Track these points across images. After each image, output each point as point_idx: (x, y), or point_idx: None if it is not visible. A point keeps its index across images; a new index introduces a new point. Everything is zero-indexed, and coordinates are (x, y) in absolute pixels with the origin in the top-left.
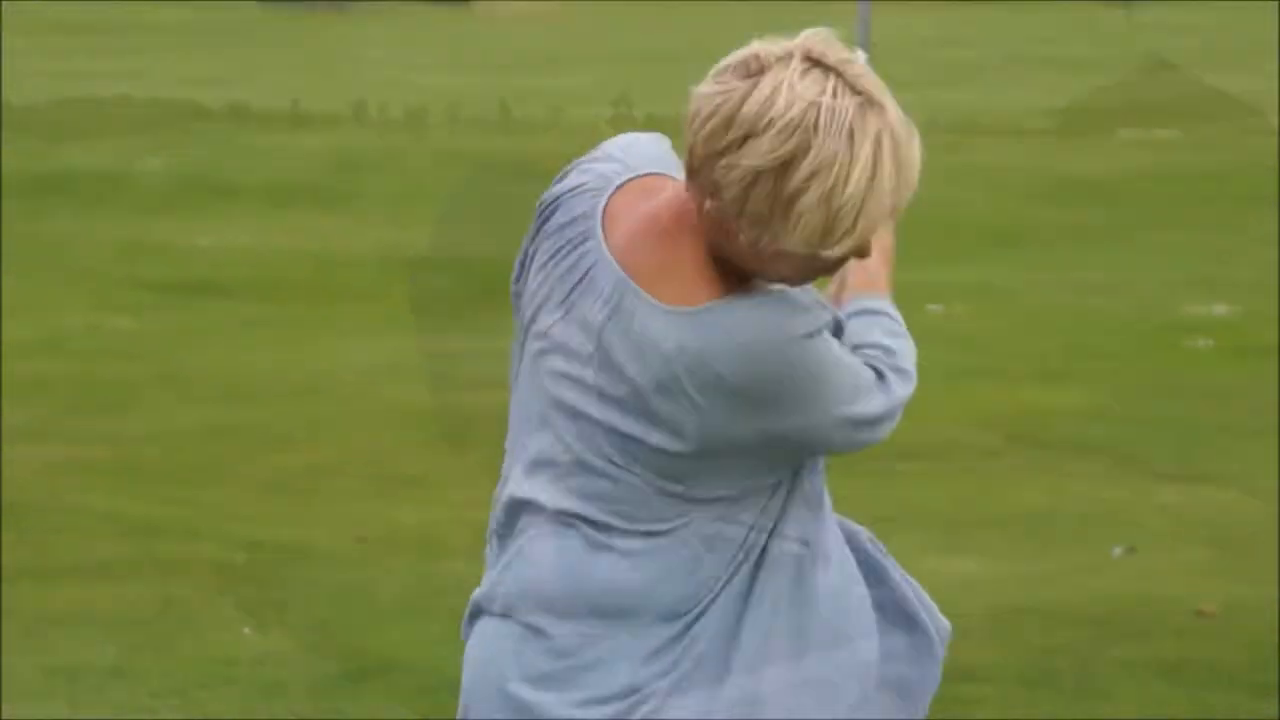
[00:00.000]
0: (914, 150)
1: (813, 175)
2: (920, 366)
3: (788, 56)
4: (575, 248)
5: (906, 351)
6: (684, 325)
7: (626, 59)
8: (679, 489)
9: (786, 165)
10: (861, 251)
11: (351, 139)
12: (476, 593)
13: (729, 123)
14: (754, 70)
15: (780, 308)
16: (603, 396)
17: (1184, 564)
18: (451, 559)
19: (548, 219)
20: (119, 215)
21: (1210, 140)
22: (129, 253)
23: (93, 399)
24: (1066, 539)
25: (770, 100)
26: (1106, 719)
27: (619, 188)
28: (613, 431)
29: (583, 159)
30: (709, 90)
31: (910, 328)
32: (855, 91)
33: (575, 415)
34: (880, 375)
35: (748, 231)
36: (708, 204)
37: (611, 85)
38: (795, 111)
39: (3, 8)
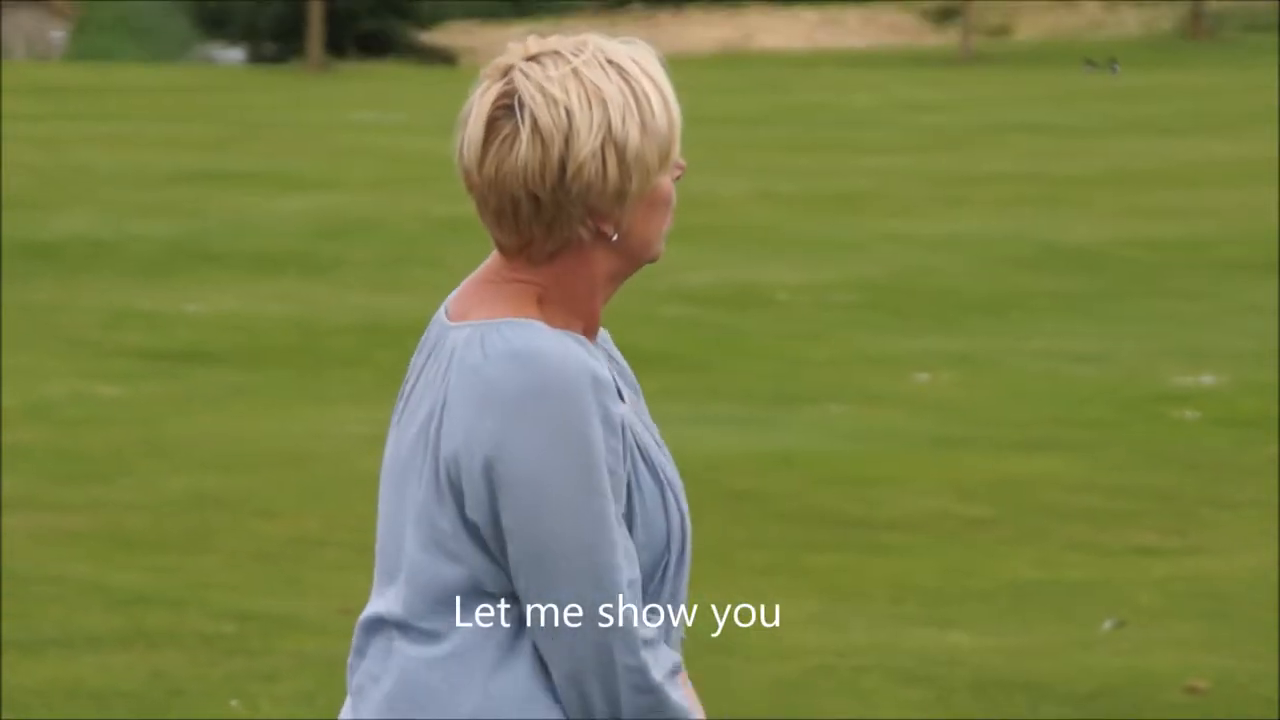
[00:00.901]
0: (648, 54)
1: (624, 118)
2: (907, 436)
3: (492, 80)
4: (426, 334)
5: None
6: (469, 331)
7: None
8: (457, 548)
9: (607, 129)
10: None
11: (336, 204)
12: None
13: (545, 153)
14: (500, 113)
15: (578, 347)
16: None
17: (1175, 638)
18: None
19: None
20: (105, 282)
21: (1196, 207)
22: (116, 320)
23: (79, 467)
24: (1055, 611)
25: (546, 104)
26: None
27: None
28: (420, 494)
29: None
30: (499, 162)
31: (897, 397)
32: (562, 50)
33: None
34: (661, 631)
35: (621, 208)
36: (583, 233)
37: None
38: (572, 88)
39: None
